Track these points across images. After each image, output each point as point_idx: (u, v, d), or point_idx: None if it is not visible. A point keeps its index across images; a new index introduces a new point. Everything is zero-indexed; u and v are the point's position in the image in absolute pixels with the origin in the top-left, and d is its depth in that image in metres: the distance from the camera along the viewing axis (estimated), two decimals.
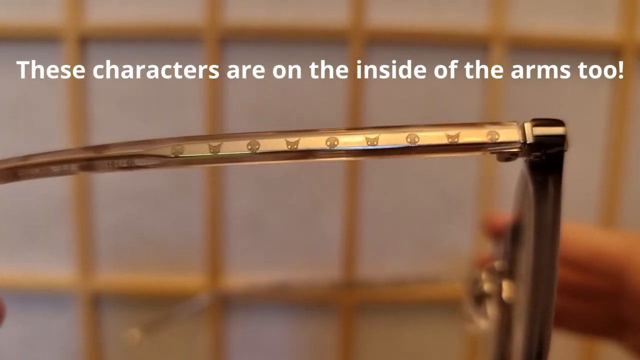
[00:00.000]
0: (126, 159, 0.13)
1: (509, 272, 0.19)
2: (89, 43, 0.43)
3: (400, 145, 0.13)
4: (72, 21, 0.42)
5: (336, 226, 0.46)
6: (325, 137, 0.13)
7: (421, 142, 0.13)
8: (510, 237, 0.19)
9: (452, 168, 0.45)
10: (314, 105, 0.44)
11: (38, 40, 0.43)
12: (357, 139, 0.13)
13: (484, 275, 0.20)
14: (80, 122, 0.44)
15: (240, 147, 0.13)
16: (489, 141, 0.13)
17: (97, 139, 0.44)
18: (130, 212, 0.46)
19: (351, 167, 0.44)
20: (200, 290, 0.46)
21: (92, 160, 0.12)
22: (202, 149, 0.13)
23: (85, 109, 0.44)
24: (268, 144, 0.13)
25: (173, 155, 0.13)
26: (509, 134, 0.14)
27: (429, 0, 0.43)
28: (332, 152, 0.13)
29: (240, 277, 0.47)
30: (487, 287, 0.20)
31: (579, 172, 0.46)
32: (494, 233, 0.28)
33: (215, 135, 0.13)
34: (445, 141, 0.13)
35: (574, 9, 0.44)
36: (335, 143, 0.13)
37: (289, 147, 0.13)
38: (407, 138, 0.13)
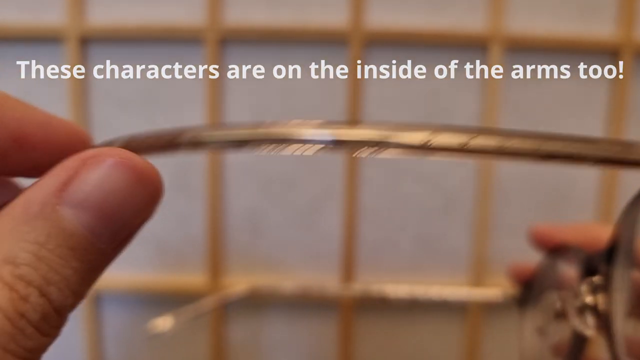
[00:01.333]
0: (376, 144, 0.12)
1: (605, 286, 0.20)
2: (89, 43, 0.43)
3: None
4: (73, 22, 0.42)
5: (336, 225, 0.46)
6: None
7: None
8: (607, 253, 0.20)
9: (450, 166, 0.46)
10: (313, 105, 0.44)
11: (38, 41, 0.43)
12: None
13: (584, 288, 0.20)
14: (81, 122, 0.44)
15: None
16: None
17: (97, 139, 0.44)
18: None
19: (350, 166, 0.45)
20: (202, 290, 0.46)
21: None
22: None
23: (86, 109, 0.44)
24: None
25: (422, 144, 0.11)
26: None
27: (428, 2, 0.43)
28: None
29: (241, 276, 0.47)
30: (588, 299, 0.20)
31: (577, 172, 0.46)
32: (520, 280, 0.29)
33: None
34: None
35: (572, 10, 0.44)
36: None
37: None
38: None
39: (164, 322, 0.28)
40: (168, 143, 0.13)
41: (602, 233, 0.24)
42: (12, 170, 0.14)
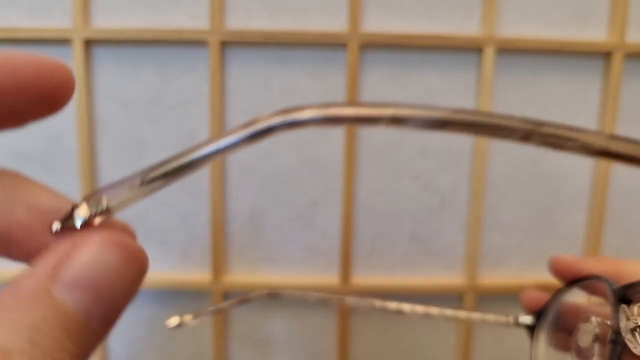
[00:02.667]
0: (557, 139, 0.14)
1: None
2: (94, 47, 0.44)
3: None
4: (80, 26, 0.43)
5: (334, 223, 0.47)
6: None
7: None
8: None
9: (445, 166, 0.47)
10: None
11: (47, 44, 0.44)
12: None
13: (636, 311, 0.23)
14: (86, 123, 0.45)
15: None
16: None
17: (103, 140, 0.46)
18: (135, 209, 0.47)
19: (348, 165, 0.46)
20: (205, 286, 0.47)
21: (528, 132, 0.13)
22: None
23: (91, 110, 0.45)
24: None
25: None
26: None
27: (425, 8, 0.44)
28: None
29: (242, 273, 0.48)
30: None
31: (570, 172, 0.47)
32: (533, 308, 0.30)
33: None
34: None
35: (565, 14, 0.45)
36: None
37: None
38: None
39: (182, 319, 0.30)
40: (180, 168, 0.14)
41: (623, 266, 0.27)
42: None
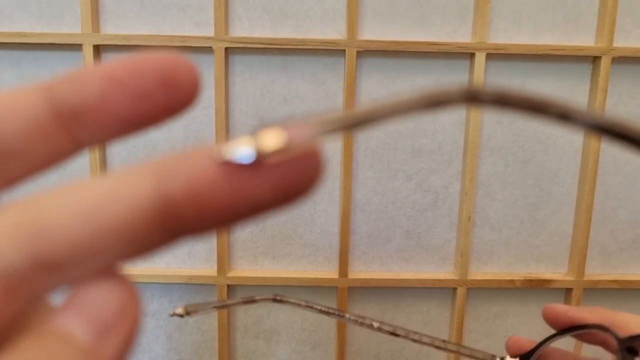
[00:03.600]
0: None
1: None
2: (104, 52, 0.46)
3: None
4: (89, 32, 0.45)
5: (333, 221, 0.50)
6: None
7: None
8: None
9: (438, 166, 0.49)
10: (312, 110, 0.48)
11: (59, 49, 0.46)
12: None
13: None
14: None
15: None
16: None
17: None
18: None
19: (345, 166, 0.48)
20: (209, 281, 0.49)
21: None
22: None
23: None
24: None
25: None
26: None
27: (419, 17, 0.46)
28: None
29: (245, 269, 0.51)
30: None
31: (558, 171, 0.49)
32: (517, 353, 0.32)
33: None
34: None
35: (554, 21, 0.47)
36: None
37: None
38: None
39: (186, 310, 0.32)
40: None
41: (616, 317, 0.28)
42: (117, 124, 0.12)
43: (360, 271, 0.51)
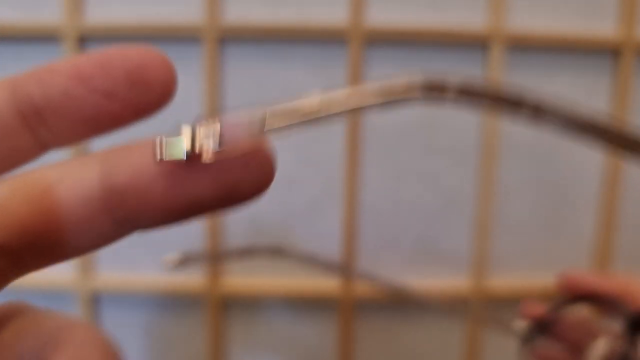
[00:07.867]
0: None
1: None
2: (87, 42, 0.43)
3: None
4: (71, 21, 0.42)
5: (336, 225, 0.46)
6: None
7: None
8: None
9: (450, 166, 0.46)
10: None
11: (36, 40, 0.43)
12: None
13: None
14: None
15: None
16: None
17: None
18: None
19: (350, 166, 0.45)
20: (200, 290, 0.46)
21: None
22: None
23: None
24: None
25: None
26: None
27: (429, 1, 0.43)
28: None
29: (242, 277, 0.47)
30: None
31: (580, 174, 0.46)
32: (530, 317, 0.30)
33: None
34: None
35: (574, 9, 0.44)
36: None
37: None
38: None
39: (180, 259, 0.30)
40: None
41: (633, 286, 0.27)
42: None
43: (366, 280, 0.47)
